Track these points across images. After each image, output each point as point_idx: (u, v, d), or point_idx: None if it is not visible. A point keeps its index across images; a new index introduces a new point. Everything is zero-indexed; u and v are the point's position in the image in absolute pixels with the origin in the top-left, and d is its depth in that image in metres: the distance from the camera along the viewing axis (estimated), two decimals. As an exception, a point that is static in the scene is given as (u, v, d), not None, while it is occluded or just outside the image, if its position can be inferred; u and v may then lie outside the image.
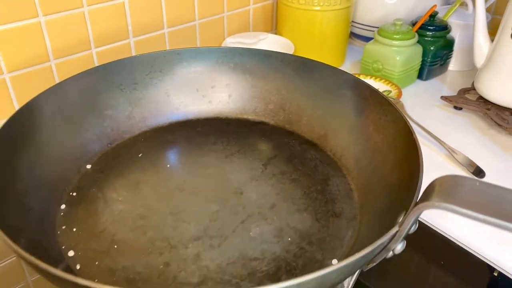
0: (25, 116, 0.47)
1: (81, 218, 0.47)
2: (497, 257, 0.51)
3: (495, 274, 0.50)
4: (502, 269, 0.50)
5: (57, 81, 0.68)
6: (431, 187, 0.34)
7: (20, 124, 0.47)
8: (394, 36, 0.80)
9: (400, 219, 0.35)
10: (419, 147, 0.42)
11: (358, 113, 0.54)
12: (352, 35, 0.98)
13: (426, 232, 0.54)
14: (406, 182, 0.42)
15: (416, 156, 0.41)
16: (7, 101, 0.63)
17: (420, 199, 0.34)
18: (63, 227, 0.46)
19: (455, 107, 0.79)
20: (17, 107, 0.64)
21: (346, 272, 0.33)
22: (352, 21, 0.94)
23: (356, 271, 0.37)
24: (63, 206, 0.48)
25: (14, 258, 0.52)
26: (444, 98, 0.80)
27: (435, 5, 0.83)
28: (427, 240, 0.54)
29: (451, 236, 0.53)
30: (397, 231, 0.35)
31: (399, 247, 0.36)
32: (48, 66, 0.67)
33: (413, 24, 0.85)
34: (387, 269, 0.49)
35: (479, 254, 0.52)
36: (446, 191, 0.32)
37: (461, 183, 0.33)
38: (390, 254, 0.38)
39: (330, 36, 0.88)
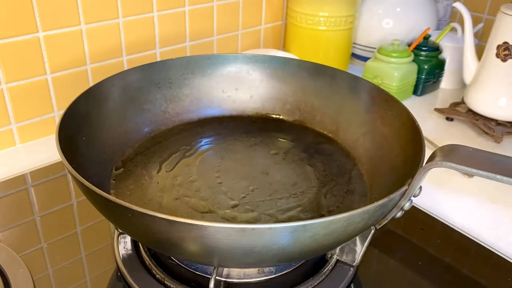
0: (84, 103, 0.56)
1: (130, 190, 0.54)
2: (485, 237, 0.59)
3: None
4: (488, 245, 0.58)
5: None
6: (434, 153, 0.42)
7: (87, 104, 0.55)
8: (393, 54, 0.90)
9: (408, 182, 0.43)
10: (421, 131, 0.51)
11: (367, 110, 0.62)
12: (353, 55, 1.07)
13: (427, 224, 0.62)
14: (410, 160, 0.50)
15: (419, 139, 0.49)
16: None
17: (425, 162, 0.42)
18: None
19: (447, 118, 0.88)
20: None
21: (366, 219, 0.40)
22: (353, 43, 1.03)
23: (373, 222, 0.44)
24: (113, 181, 0.55)
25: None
26: (437, 110, 0.89)
27: (428, 28, 0.93)
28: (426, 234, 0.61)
29: (449, 223, 0.61)
30: (406, 189, 0.43)
31: (407, 204, 0.44)
32: (120, 60, 0.76)
33: (409, 45, 0.95)
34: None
35: (470, 235, 0.59)
36: (446, 154, 0.41)
37: (458, 149, 0.42)
38: (400, 214, 0.46)
39: (334, 54, 0.97)
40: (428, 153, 0.44)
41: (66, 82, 0.74)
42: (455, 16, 1.13)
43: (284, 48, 1.05)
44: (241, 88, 0.70)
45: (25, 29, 0.67)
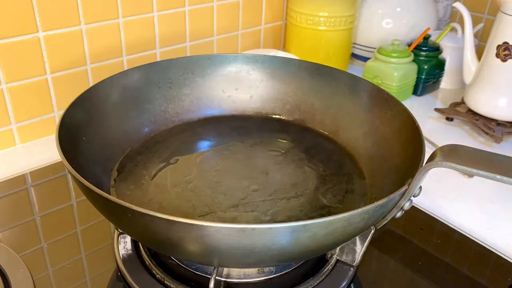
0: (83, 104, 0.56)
1: (130, 190, 0.54)
2: (485, 237, 0.59)
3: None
4: (488, 245, 0.58)
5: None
6: (433, 153, 0.42)
7: (85, 105, 0.55)
8: (392, 54, 0.90)
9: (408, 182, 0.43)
10: (421, 131, 0.51)
11: (366, 110, 0.62)
12: (352, 55, 1.07)
13: (427, 224, 0.62)
14: (410, 160, 0.50)
15: (419, 139, 0.49)
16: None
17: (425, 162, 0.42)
18: (115, 198, 0.53)
19: (447, 118, 0.88)
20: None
21: (366, 219, 0.40)
22: (353, 43, 1.03)
23: (373, 222, 0.44)
24: (112, 181, 0.55)
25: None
26: (437, 110, 0.89)
27: (429, 28, 0.93)
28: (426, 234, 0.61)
29: (449, 223, 0.61)
30: (406, 189, 0.43)
31: (407, 204, 0.44)
32: (120, 60, 0.77)
33: (409, 45, 0.95)
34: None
35: (470, 235, 0.60)
36: (446, 154, 0.41)
37: (458, 149, 0.42)
38: (399, 214, 0.46)
39: (334, 54, 0.97)
40: (428, 153, 0.44)
41: (66, 82, 0.74)
42: (455, 16, 1.13)
43: (284, 48, 1.05)
44: (241, 88, 0.70)
45: (25, 29, 0.67)
